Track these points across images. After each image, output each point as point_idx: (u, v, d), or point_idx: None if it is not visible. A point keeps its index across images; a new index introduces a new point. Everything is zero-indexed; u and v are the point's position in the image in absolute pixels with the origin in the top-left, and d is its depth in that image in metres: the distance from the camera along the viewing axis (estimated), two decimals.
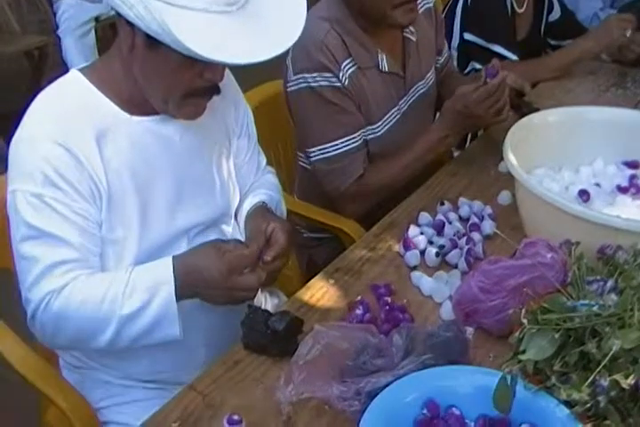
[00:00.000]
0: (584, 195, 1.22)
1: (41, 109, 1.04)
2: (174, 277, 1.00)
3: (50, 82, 1.08)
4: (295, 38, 0.97)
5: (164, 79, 1.01)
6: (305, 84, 1.40)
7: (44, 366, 1.16)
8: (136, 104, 1.06)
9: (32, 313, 1.02)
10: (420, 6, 1.51)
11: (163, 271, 1.01)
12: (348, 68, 1.41)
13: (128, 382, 1.17)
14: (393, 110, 1.51)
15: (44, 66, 3.43)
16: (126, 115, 1.06)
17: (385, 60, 1.45)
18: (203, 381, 1.01)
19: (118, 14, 0.96)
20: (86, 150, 1.01)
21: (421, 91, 1.58)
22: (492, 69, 1.35)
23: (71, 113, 1.02)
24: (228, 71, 1.23)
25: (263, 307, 1.29)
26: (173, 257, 1.03)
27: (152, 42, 0.93)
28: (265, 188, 1.29)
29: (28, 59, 3.45)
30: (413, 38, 1.51)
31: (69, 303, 1.00)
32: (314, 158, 1.45)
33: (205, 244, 1.05)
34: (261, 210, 1.20)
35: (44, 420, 1.27)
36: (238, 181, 1.25)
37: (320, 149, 1.43)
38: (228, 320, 1.12)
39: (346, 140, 1.42)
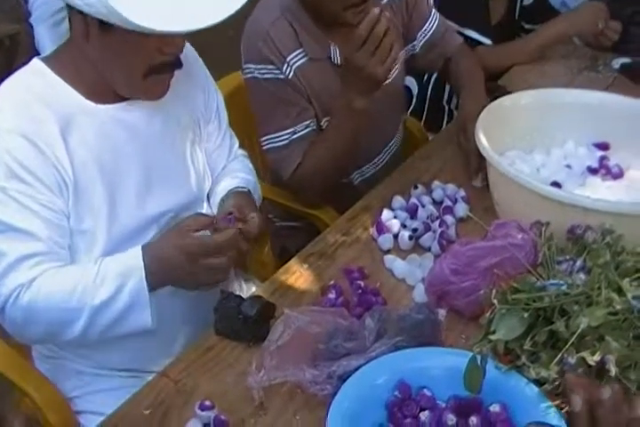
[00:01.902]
0: (555, 186, 1.22)
1: (3, 100, 1.02)
2: (144, 264, 0.99)
3: None
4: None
5: (124, 61, 1.00)
6: (251, 75, 1.39)
7: (15, 356, 1.15)
8: (100, 92, 1.05)
9: (1, 307, 1.01)
10: None
11: (132, 259, 1.00)
12: (296, 61, 1.38)
13: (101, 371, 1.16)
14: None
15: (15, 54, 3.36)
16: (91, 103, 1.04)
17: (337, 53, 1.41)
18: (175, 367, 1.01)
19: (69, 6, 0.95)
20: (50, 141, 0.99)
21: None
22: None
23: (33, 103, 1.00)
24: (197, 55, 1.21)
25: (237, 293, 1.29)
26: (142, 246, 1.02)
27: (105, 27, 0.93)
28: (241, 171, 1.29)
29: None
30: None
31: (39, 296, 0.98)
32: (265, 147, 1.44)
33: (169, 229, 1.04)
34: (246, 196, 1.19)
35: (18, 411, 1.26)
36: (210, 165, 1.24)
37: (268, 139, 1.42)
38: (201, 308, 1.12)
39: (290, 132, 1.39)
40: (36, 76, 1.03)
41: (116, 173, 1.06)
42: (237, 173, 1.27)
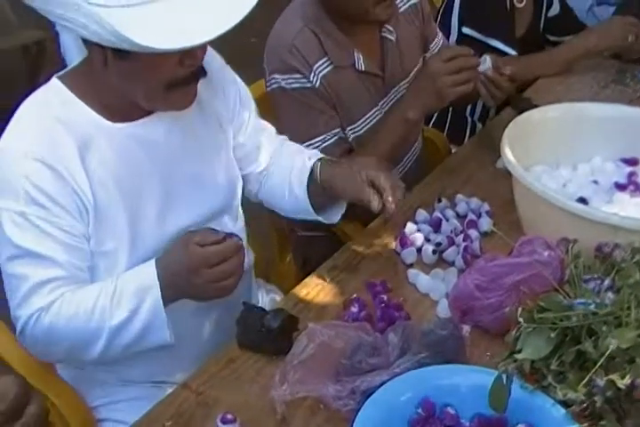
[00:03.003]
0: (582, 202, 1.21)
1: (22, 123, 1.02)
2: (159, 280, 0.99)
3: (48, 78, 1.06)
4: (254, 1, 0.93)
5: (145, 79, 0.99)
6: (277, 85, 1.39)
7: (39, 363, 1.15)
8: (118, 111, 1.04)
9: (21, 329, 1.02)
10: (402, 3, 1.50)
11: (147, 278, 0.99)
12: (322, 69, 1.39)
13: (124, 382, 1.16)
14: (374, 110, 1.49)
15: (41, 61, 3.40)
16: (108, 123, 1.04)
17: (361, 60, 1.43)
18: (197, 379, 1.01)
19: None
20: (69, 165, 0.99)
21: (404, 91, 1.52)
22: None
23: (52, 126, 1.00)
24: (213, 53, 1.18)
25: (259, 304, 1.29)
26: (156, 260, 1.01)
27: (121, 52, 0.92)
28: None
29: (25, 54, 3.43)
30: (392, 38, 1.49)
31: (59, 318, 0.99)
32: None
33: (178, 239, 1.03)
34: (335, 165, 1.19)
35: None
36: (245, 159, 1.25)
37: None
38: (223, 321, 1.12)
39: (320, 140, 1.40)
40: (54, 97, 1.03)
41: (136, 192, 1.06)
42: (306, 152, 1.27)
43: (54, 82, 1.04)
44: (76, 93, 1.03)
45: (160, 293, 0.98)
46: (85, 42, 0.97)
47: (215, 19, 0.90)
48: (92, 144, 1.02)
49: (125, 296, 0.99)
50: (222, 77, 1.20)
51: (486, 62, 1.42)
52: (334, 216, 1.26)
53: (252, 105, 1.27)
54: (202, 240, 0.98)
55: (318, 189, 1.21)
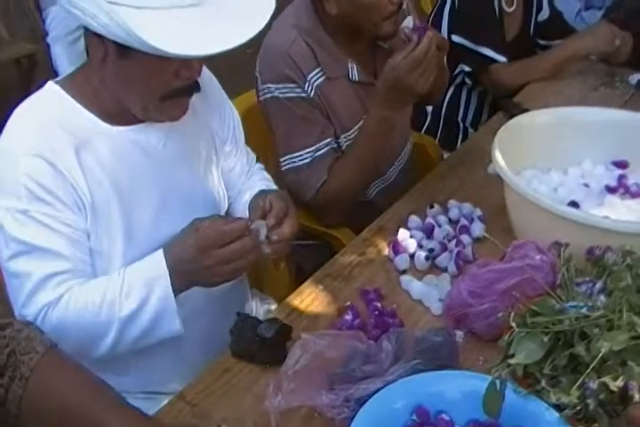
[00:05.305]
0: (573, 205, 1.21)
1: (19, 123, 1.02)
2: (168, 269, 0.98)
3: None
4: (267, 18, 0.95)
5: (140, 85, 1.00)
6: (270, 95, 1.40)
7: None
8: (116, 115, 1.05)
9: None
10: None
11: (156, 266, 0.99)
12: (316, 79, 1.40)
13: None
14: None
15: (33, 74, 3.41)
16: (107, 126, 1.05)
17: (355, 70, 1.44)
18: (192, 390, 1.00)
19: (86, 29, 0.95)
20: (66, 162, 1.00)
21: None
22: (421, 29, 1.24)
23: (49, 126, 1.01)
24: (211, 75, 1.22)
25: (253, 313, 1.29)
26: (164, 249, 1.01)
27: (123, 50, 0.93)
28: (263, 180, 1.30)
29: (17, 67, 3.44)
30: (385, 45, 1.49)
31: (68, 313, 0.99)
32: (284, 168, 1.44)
33: (186, 227, 1.02)
34: (260, 192, 1.16)
35: None
36: (228, 184, 1.25)
37: (289, 159, 1.42)
38: (216, 329, 1.11)
39: (312, 150, 1.41)
40: (51, 99, 1.04)
41: (131, 194, 1.07)
42: (261, 182, 1.28)
43: (51, 85, 1.05)
44: (74, 97, 1.04)
45: (169, 281, 0.98)
46: (87, 34, 0.98)
47: (224, 33, 0.92)
48: (89, 145, 1.03)
49: (134, 287, 0.98)
50: (221, 99, 1.23)
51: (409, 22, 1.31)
52: None
53: (242, 138, 1.29)
54: (211, 223, 0.98)
55: None
